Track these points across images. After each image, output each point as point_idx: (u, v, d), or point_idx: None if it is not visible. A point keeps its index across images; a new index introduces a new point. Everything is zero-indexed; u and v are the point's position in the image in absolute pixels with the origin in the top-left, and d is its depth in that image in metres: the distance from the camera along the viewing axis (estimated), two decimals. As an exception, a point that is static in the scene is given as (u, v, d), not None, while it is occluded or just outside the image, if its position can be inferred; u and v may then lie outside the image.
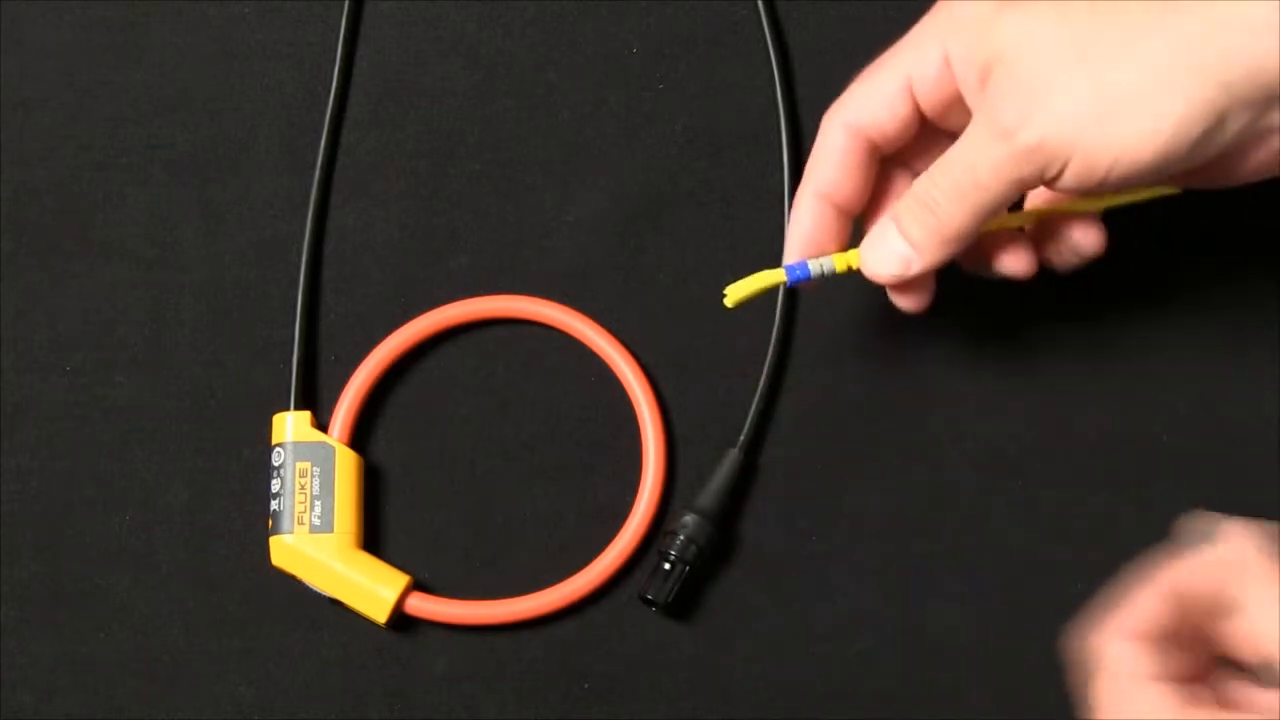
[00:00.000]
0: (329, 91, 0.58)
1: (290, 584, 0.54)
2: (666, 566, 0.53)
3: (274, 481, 0.54)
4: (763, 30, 0.57)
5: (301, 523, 0.53)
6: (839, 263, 0.48)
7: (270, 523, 0.54)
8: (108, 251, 0.57)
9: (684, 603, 0.54)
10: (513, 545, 0.55)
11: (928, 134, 0.48)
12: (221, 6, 0.59)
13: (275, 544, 0.54)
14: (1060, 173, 0.43)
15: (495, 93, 0.58)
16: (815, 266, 0.48)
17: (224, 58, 0.58)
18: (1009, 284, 0.49)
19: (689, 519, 0.53)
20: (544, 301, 0.56)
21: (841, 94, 0.48)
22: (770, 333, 0.55)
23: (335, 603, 0.54)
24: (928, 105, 0.47)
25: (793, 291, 0.56)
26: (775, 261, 0.56)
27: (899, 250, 0.47)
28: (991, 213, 0.45)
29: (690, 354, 0.56)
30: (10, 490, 0.56)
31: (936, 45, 0.46)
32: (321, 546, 0.53)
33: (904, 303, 0.49)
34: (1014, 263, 0.49)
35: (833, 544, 0.55)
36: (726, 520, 0.54)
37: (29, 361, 0.57)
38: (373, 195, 0.57)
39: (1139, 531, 0.55)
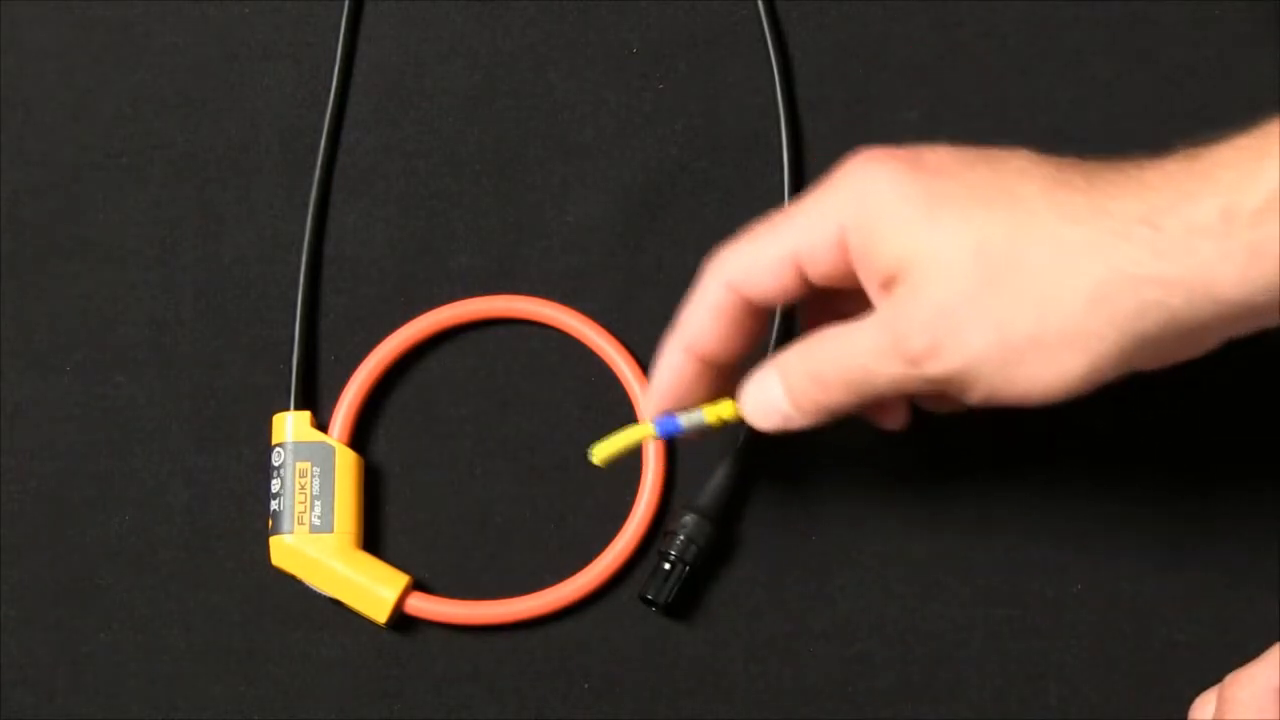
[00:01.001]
0: (329, 91, 0.58)
1: (290, 584, 0.54)
2: (666, 566, 0.53)
3: (274, 481, 0.54)
4: (763, 30, 0.57)
5: (301, 523, 0.53)
6: (709, 414, 0.48)
7: (270, 523, 0.54)
8: (108, 251, 0.57)
9: (684, 603, 0.54)
10: (513, 545, 0.55)
11: (818, 299, 0.47)
12: (221, 6, 0.59)
13: (275, 544, 0.54)
14: (960, 395, 0.43)
15: (495, 93, 0.58)
16: (685, 420, 0.48)
17: (224, 58, 0.58)
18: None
19: (689, 519, 0.53)
20: (544, 301, 0.56)
21: (727, 249, 0.47)
22: (770, 333, 0.55)
23: (335, 603, 0.54)
24: (816, 277, 0.45)
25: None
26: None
27: (780, 406, 0.46)
28: (866, 405, 0.45)
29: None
30: (10, 490, 0.56)
31: (833, 224, 0.43)
32: (321, 546, 0.53)
33: (882, 422, 0.49)
34: (892, 420, 0.49)
35: (833, 544, 0.55)
36: (726, 520, 0.54)
37: (29, 361, 0.57)
38: (373, 195, 0.57)
39: (1139, 531, 0.55)
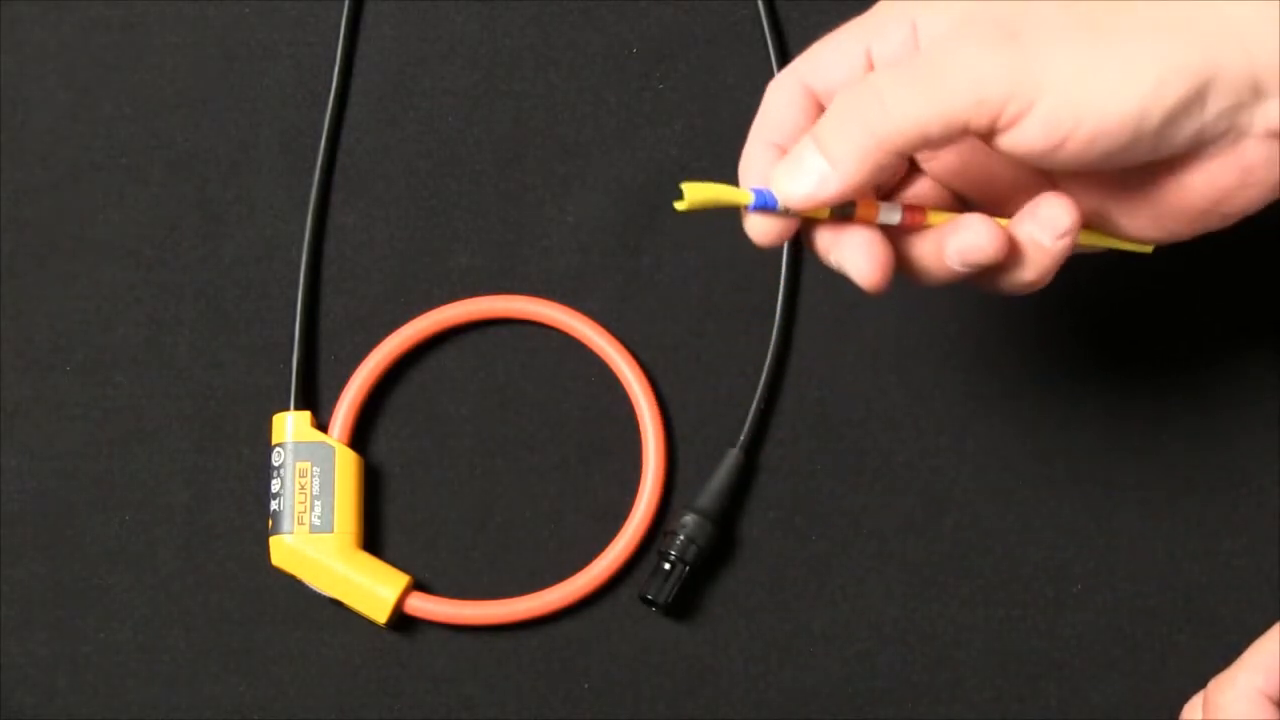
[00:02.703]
0: (329, 91, 0.58)
1: (290, 584, 0.54)
2: (666, 566, 0.53)
3: (274, 481, 0.54)
4: (762, 30, 0.57)
5: (301, 523, 0.53)
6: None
7: (270, 523, 0.54)
8: (108, 251, 0.57)
9: (684, 603, 0.54)
10: (513, 545, 0.55)
11: None
12: (221, 6, 0.59)
13: (275, 544, 0.54)
14: (1024, 112, 0.38)
15: (495, 93, 0.58)
16: (779, 201, 0.42)
17: (224, 58, 0.58)
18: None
19: (689, 519, 0.53)
20: (544, 301, 0.56)
21: (793, 61, 0.45)
22: (763, 331, 0.55)
23: (335, 603, 0.54)
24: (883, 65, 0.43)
25: (793, 291, 0.56)
26: (780, 267, 0.56)
27: (814, 164, 0.41)
28: (926, 135, 0.40)
29: (690, 354, 0.56)
30: (10, 490, 0.56)
31: (903, 21, 0.42)
32: (321, 546, 0.53)
33: (861, 270, 0.43)
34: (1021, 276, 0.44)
35: (833, 544, 0.55)
36: (727, 520, 0.54)
37: (29, 361, 0.57)
38: (373, 195, 0.57)
39: (1139, 531, 0.55)
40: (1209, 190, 0.41)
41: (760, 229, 0.42)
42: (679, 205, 0.42)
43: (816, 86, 0.44)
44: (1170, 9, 0.39)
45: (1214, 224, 0.42)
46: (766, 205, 0.42)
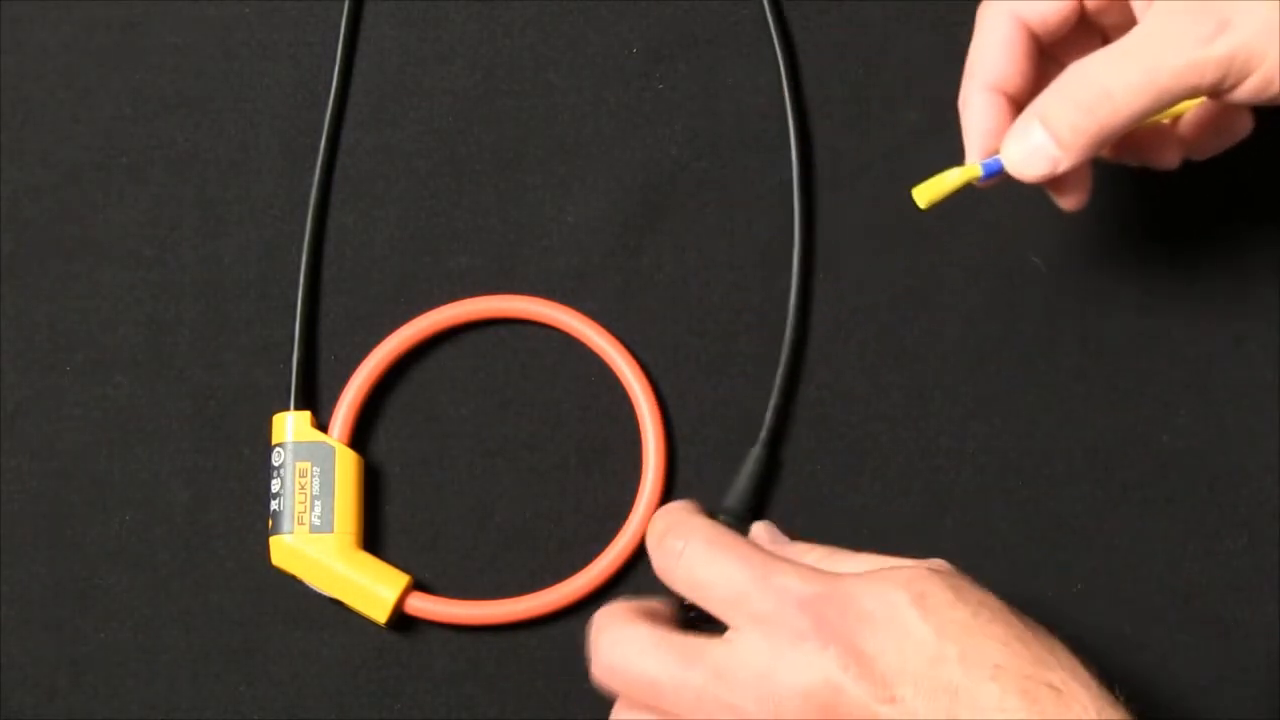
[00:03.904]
0: (329, 91, 0.58)
1: (290, 584, 0.54)
2: None
3: (274, 481, 0.54)
4: (766, 29, 0.57)
5: (301, 523, 0.53)
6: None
7: (270, 523, 0.54)
8: (108, 251, 0.57)
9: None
10: (513, 545, 0.55)
11: (1079, 31, 0.48)
12: (221, 6, 0.59)
13: (275, 544, 0.54)
14: (1237, 85, 0.43)
15: (495, 93, 0.58)
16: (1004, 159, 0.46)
17: (224, 58, 0.58)
18: (1145, 176, 0.50)
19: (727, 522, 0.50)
20: (544, 301, 0.56)
21: None
22: (763, 331, 0.55)
23: (335, 603, 0.54)
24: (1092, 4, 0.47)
25: (806, 287, 0.56)
26: (780, 267, 0.56)
27: (1045, 149, 0.45)
28: (1147, 116, 0.44)
29: (690, 354, 0.56)
30: (10, 490, 0.56)
31: None
32: (321, 546, 0.53)
33: (1064, 202, 0.48)
34: (1167, 155, 0.49)
35: (834, 543, 0.54)
36: (754, 518, 0.54)
37: (29, 361, 0.57)
38: (373, 195, 0.57)
39: (1139, 531, 0.55)
40: None
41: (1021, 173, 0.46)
42: (921, 206, 0.46)
43: (1027, 17, 0.47)
44: None
45: None
46: (995, 173, 0.46)
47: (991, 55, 0.47)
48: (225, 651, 0.55)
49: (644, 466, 0.55)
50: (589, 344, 0.56)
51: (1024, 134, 0.45)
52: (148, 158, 0.58)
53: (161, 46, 0.58)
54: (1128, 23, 0.45)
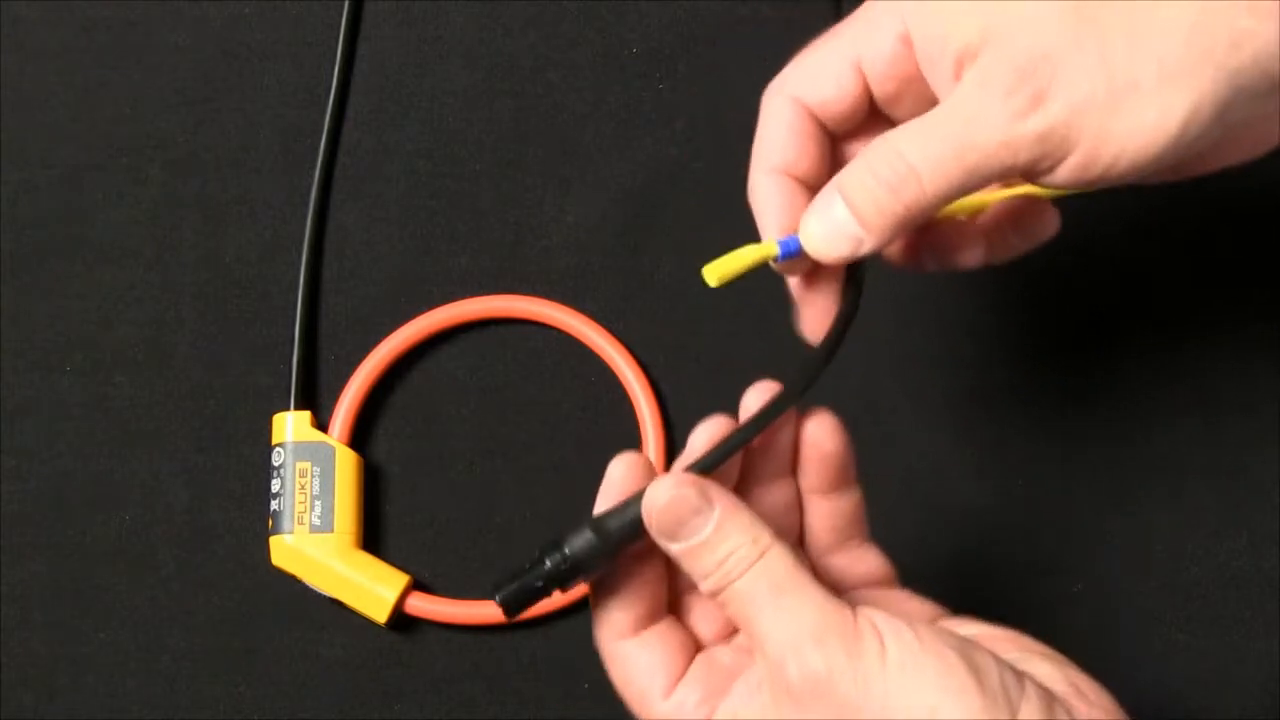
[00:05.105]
0: (329, 91, 0.58)
1: (290, 584, 0.54)
2: (539, 585, 0.42)
3: (274, 481, 0.54)
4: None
5: (301, 523, 0.53)
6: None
7: (270, 523, 0.54)
8: (108, 251, 0.57)
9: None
10: (513, 545, 0.55)
11: (873, 121, 0.44)
12: (221, 6, 0.59)
13: (275, 544, 0.54)
14: (1055, 166, 0.39)
15: (495, 93, 0.58)
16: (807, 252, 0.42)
17: (224, 58, 0.58)
18: (957, 276, 0.48)
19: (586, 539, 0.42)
20: (544, 301, 0.56)
21: (788, 67, 0.44)
22: (763, 331, 0.55)
23: (335, 603, 0.54)
24: (879, 88, 0.42)
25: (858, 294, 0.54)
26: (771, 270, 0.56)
27: (848, 228, 0.41)
28: (957, 197, 0.40)
29: (690, 354, 0.56)
30: (10, 490, 0.56)
31: (893, 23, 0.41)
32: (321, 546, 0.53)
33: (963, 259, 0.45)
34: (968, 255, 0.45)
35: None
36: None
37: (29, 361, 0.57)
38: (373, 195, 0.58)
39: (1139, 531, 0.55)
40: (1227, 157, 0.42)
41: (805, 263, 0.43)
42: (711, 284, 0.43)
43: (810, 101, 0.43)
44: (1182, 39, 0.38)
45: (1229, 166, 0.43)
46: (792, 253, 0.43)
47: (777, 141, 0.43)
48: (225, 651, 0.55)
49: (644, 466, 0.55)
50: (589, 344, 0.56)
51: (825, 210, 0.41)
52: (148, 158, 0.58)
53: (161, 46, 0.58)
54: (927, 108, 0.41)
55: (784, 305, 0.56)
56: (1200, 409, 0.55)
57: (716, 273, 0.43)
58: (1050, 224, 0.45)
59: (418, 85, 0.58)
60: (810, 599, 0.38)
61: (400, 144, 0.58)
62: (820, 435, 0.43)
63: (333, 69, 0.58)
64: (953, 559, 0.55)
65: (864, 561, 0.44)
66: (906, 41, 0.41)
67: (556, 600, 0.54)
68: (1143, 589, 0.54)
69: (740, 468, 0.42)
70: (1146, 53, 0.38)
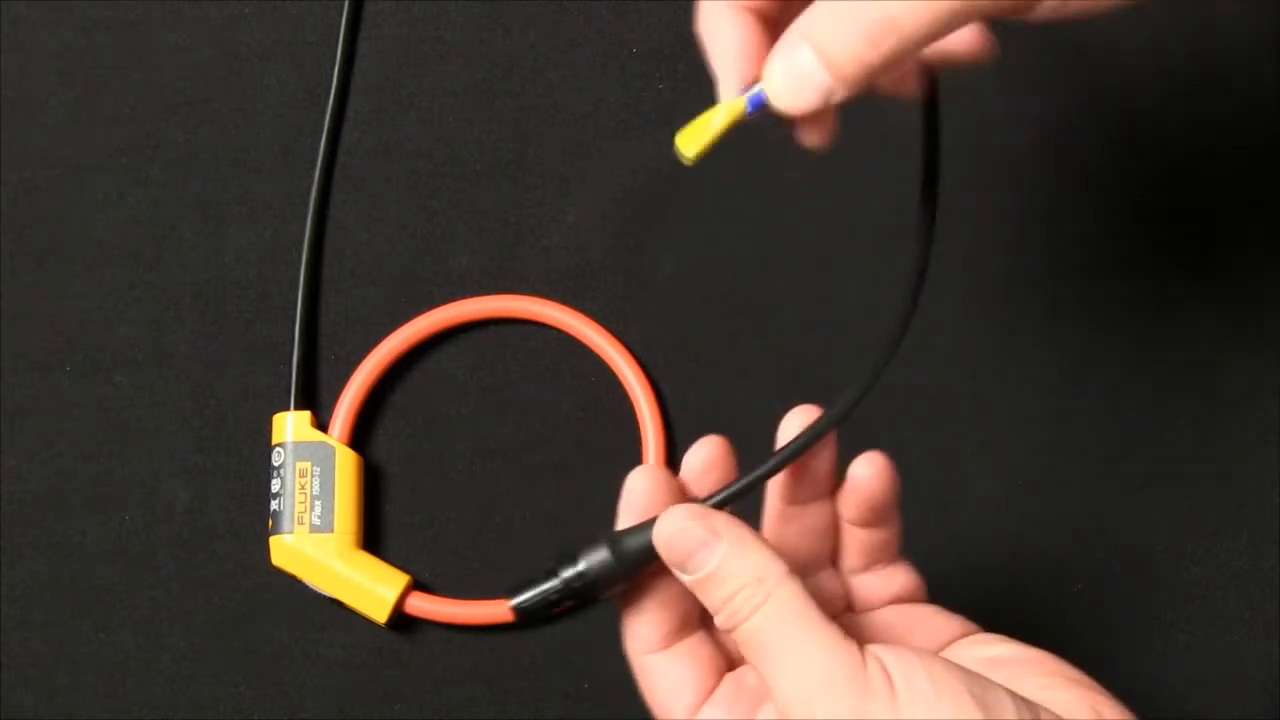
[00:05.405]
0: (329, 91, 0.58)
1: (290, 584, 0.54)
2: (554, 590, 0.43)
3: (274, 481, 0.54)
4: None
5: (301, 523, 0.53)
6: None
7: (270, 523, 0.54)
8: (108, 251, 0.57)
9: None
10: (513, 545, 0.55)
11: None
12: (221, 6, 0.59)
13: (275, 544, 0.54)
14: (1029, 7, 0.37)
15: (495, 93, 0.58)
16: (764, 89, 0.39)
17: (224, 58, 0.58)
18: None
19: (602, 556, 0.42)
20: (544, 301, 0.56)
21: None
22: (763, 331, 0.55)
23: (335, 603, 0.54)
24: None
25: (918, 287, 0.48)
26: (780, 267, 0.56)
27: (816, 77, 0.37)
28: (937, 40, 0.37)
29: (690, 354, 0.56)
30: (10, 490, 0.56)
31: None
32: (321, 546, 0.53)
33: (809, 138, 0.40)
34: (909, 85, 0.42)
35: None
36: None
37: (29, 361, 0.57)
38: (373, 195, 0.57)
39: (1139, 531, 0.55)
40: None
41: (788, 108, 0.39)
42: (689, 158, 0.40)
43: (756, 1, 0.40)
44: None
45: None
46: (760, 105, 0.39)
47: (735, 52, 0.40)
48: (225, 651, 0.55)
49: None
50: (589, 344, 0.56)
51: (790, 58, 0.38)
52: (148, 158, 0.58)
53: (161, 46, 0.58)
54: None
55: (784, 306, 0.56)
56: (1200, 409, 0.55)
57: (693, 145, 0.40)
58: (987, 50, 0.43)
59: (418, 85, 0.58)
60: (818, 645, 0.37)
61: (400, 144, 0.58)
62: (867, 478, 0.42)
63: (333, 69, 0.58)
64: (953, 559, 0.55)
65: (895, 579, 0.44)
66: None
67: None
68: (1143, 589, 0.54)
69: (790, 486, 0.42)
70: None
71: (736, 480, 0.41)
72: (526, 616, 0.42)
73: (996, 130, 0.57)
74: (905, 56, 0.37)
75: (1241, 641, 0.53)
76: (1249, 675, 0.53)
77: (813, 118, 0.39)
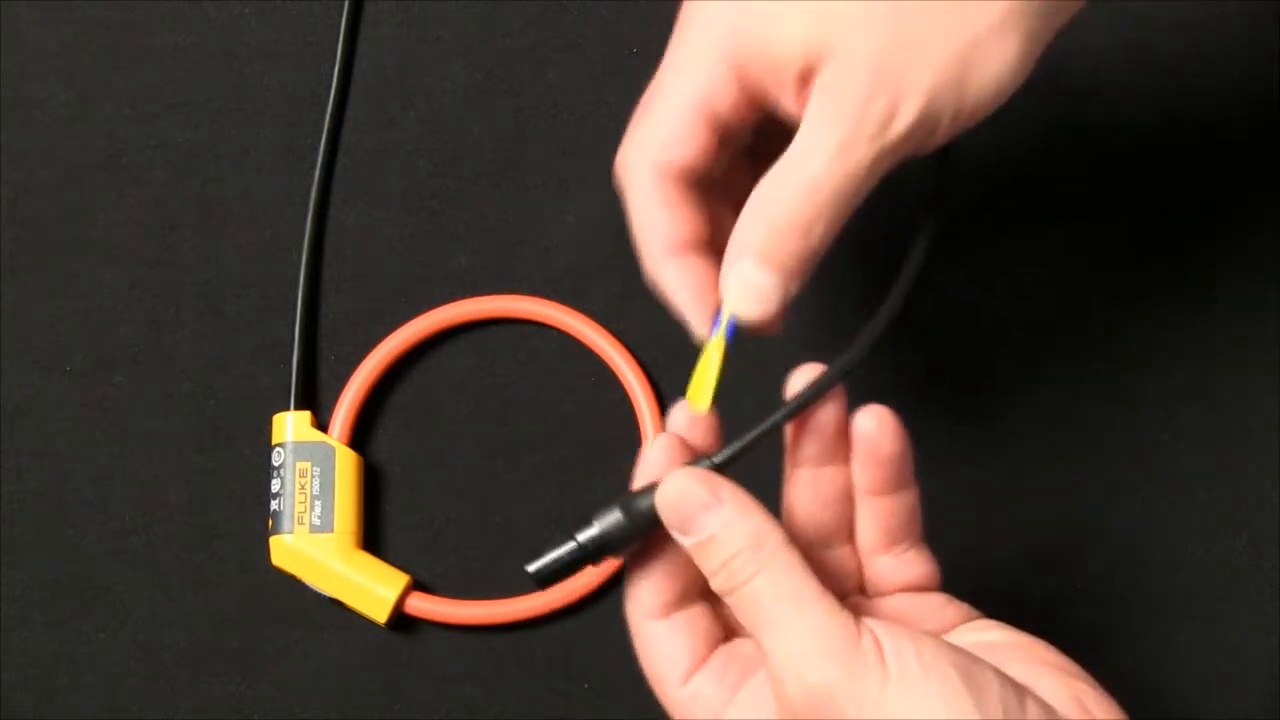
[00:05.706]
0: (329, 91, 0.58)
1: (290, 584, 0.54)
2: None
3: (274, 481, 0.54)
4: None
5: (301, 523, 0.53)
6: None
7: (270, 523, 0.54)
8: (108, 251, 0.57)
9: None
10: (513, 545, 0.55)
11: (737, 169, 0.44)
12: (221, 6, 0.59)
13: (275, 544, 0.54)
14: (932, 136, 0.40)
15: (495, 93, 0.58)
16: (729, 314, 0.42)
17: (224, 58, 0.58)
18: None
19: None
20: (544, 301, 0.56)
21: (628, 140, 0.43)
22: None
23: (335, 603, 0.54)
24: (728, 116, 0.42)
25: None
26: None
27: (766, 285, 0.41)
28: (860, 194, 0.40)
29: (690, 354, 0.56)
30: (10, 490, 0.56)
31: (714, 53, 0.41)
32: (321, 546, 0.53)
33: (772, 330, 0.43)
34: None
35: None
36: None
37: (29, 361, 0.57)
38: (373, 195, 0.57)
39: (1139, 531, 0.55)
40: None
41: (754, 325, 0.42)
42: (700, 410, 0.42)
43: (676, 164, 0.42)
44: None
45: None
46: (734, 329, 0.42)
47: (660, 219, 0.42)
48: (225, 651, 0.55)
49: (644, 466, 0.54)
50: (589, 344, 0.56)
51: (739, 276, 0.41)
52: (148, 158, 0.58)
53: (161, 46, 0.58)
54: (785, 134, 0.41)
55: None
56: (1200, 409, 0.55)
57: (704, 396, 0.42)
58: None
59: (418, 85, 0.58)
60: (814, 612, 0.38)
61: (400, 144, 0.58)
62: (872, 432, 0.42)
63: (333, 69, 0.58)
64: (953, 558, 0.54)
65: (911, 566, 0.44)
66: (739, 69, 0.41)
67: (558, 600, 0.54)
68: (1143, 589, 0.54)
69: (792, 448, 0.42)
70: (973, 11, 0.39)
71: (744, 434, 0.41)
72: (544, 578, 0.44)
73: (997, 129, 0.57)
74: (838, 225, 0.40)
75: (1241, 641, 0.53)
76: (1249, 675, 0.53)
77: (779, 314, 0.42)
